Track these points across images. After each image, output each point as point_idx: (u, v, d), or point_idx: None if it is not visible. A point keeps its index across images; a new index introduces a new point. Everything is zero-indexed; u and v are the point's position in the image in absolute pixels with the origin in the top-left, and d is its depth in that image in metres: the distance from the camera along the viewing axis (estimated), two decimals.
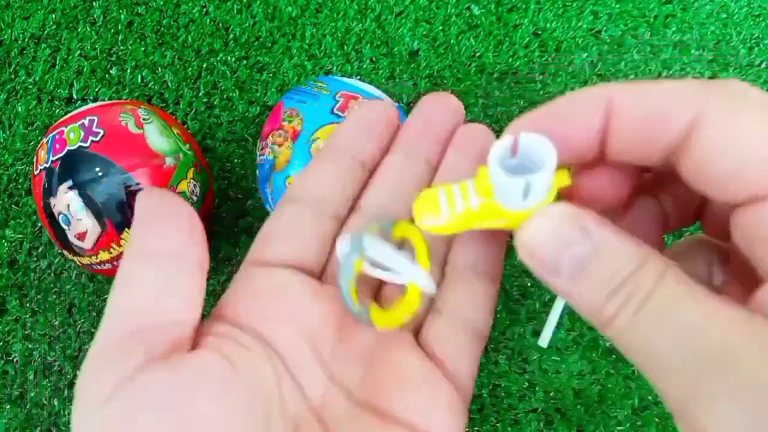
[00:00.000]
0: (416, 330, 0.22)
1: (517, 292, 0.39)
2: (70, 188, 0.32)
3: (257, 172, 0.36)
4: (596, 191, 0.18)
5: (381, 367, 0.20)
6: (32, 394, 0.38)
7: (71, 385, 0.38)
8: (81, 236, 0.33)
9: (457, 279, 0.21)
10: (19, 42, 0.45)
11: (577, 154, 0.17)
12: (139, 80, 0.44)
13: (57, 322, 0.39)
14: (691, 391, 0.14)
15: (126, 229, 0.33)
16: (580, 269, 0.15)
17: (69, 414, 0.38)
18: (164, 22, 0.45)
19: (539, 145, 0.16)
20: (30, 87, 0.44)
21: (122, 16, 0.45)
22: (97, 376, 0.17)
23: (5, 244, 0.41)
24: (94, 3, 0.46)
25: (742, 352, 0.13)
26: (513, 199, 0.17)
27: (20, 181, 0.42)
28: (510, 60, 0.45)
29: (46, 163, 0.33)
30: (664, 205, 0.19)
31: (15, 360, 0.39)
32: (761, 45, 0.45)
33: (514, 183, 0.16)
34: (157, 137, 0.34)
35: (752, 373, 0.13)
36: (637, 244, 0.15)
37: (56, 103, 0.44)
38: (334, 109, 0.33)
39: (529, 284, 0.39)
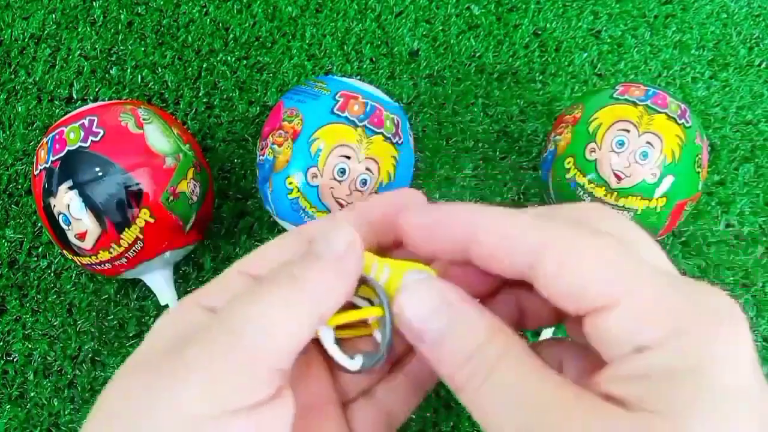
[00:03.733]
0: (345, 405, 0.23)
1: None
2: (70, 188, 0.32)
3: (257, 172, 0.36)
4: (463, 281, 0.20)
5: None
6: (32, 394, 0.38)
7: (71, 385, 0.38)
8: (81, 236, 0.33)
9: (397, 373, 0.23)
10: (19, 42, 0.45)
11: (449, 259, 0.20)
12: (139, 80, 0.44)
13: (57, 322, 0.39)
14: None
15: (126, 229, 0.33)
16: (439, 339, 0.18)
17: (69, 414, 0.38)
18: (164, 22, 0.45)
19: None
20: (30, 87, 0.44)
21: (122, 16, 0.45)
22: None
23: (5, 244, 0.41)
24: (94, 3, 0.46)
25: (566, 427, 0.16)
26: None
27: (20, 181, 0.42)
28: (510, 60, 0.44)
29: (46, 163, 0.33)
30: (527, 304, 0.22)
31: (15, 360, 0.39)
32: (761, 45, 0.45)
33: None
34: (157, 137, 0.34)
35: None
36: (490, 319, 0.18)
37: (56, 103, 0.44)
38: (334, 109, 0.33)
39: None
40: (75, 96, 0.44)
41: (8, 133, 0.43)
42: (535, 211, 0.19)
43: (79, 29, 0.45)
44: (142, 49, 0.45)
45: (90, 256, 0.34)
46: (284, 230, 0.40)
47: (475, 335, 0.18)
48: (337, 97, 0.34)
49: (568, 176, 0.35)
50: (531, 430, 0.16)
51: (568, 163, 0.35)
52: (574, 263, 0.17)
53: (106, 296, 0.40)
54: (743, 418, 0.15)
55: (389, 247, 0.22)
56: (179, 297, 0.37)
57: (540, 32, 0.45)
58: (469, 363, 0.17)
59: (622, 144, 0.33)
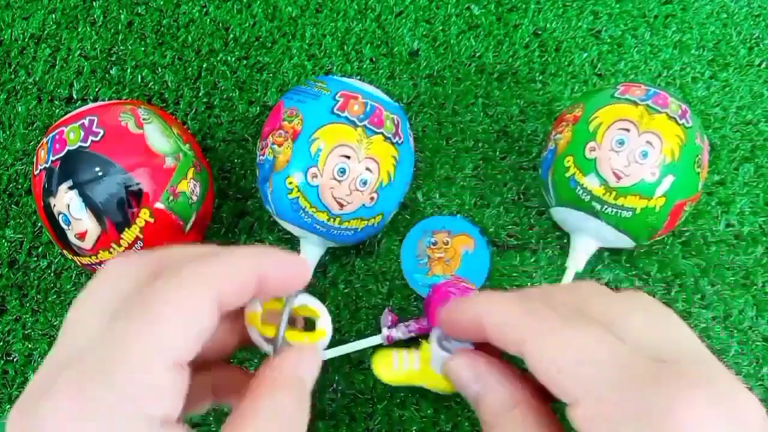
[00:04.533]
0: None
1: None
2: (70, 188, 0.32)
3: (257, 172, 0.36)
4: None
5: None
6: None
7: None
8: (81, 236, 0.33)
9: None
10: (19, 42, 0.45)
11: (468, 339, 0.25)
12: (139, 80, 0.44)
13: (57, 322, 0.39)
14: None
15: (126, 229, 0.33)
16: (478, 398, 0.23)
17: None
18: (164, 22, 0.45)
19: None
20: (30, 87, 0.44)
21: (122, 16, 0.45)
22: None
23: (5, 244, 0.41)
24: (94, 3, 0.46)
25: None
26: (439, 368, 0.25)
27: (20, 181, 0.42)
28: (510, 60, 0.45)
29: (46, 163, 0.33)
30: None
31: (15, 360, 0.39)
32: (761, 45, 0.45)
33: (443, 356, 0.25)
34: (157, 137, 0.34)
35: None
36: (513, 387, 0.23)
37: (56, 103, 0.44)
38: (334, 109, 0.33)
39: (528, 284, 0.39)
40: (75, 96, 0.44)
41: (8, 133, 0.43)
42: (533, 294, 0.23)
43: (79, 29, 0.45)
44: (142, 49, 0.45)
45: (90, 256, 0.34)
46: (284, 230, 0.40)
47: (501, 400, 0.23)
48: (337, 97, 0.34)
49: (567, 175, 0.35)
50: None
51: (568, 161, 0.35)
52: (546, 362, 0.20)
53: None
54: None
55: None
56: None
57: (540, 32, 0.45)
58: (497, 421, 0.22)
59: (622, 143, 0.33)
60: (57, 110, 0.44)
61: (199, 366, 0.22)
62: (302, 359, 0.24)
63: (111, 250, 0.33)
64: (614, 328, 0.20)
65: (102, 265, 0.34)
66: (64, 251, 0.35)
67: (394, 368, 0.32)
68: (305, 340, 0.25)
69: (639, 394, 0.18)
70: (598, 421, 0.19)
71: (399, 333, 0.36)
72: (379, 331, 0.37)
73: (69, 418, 0.18)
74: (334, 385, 0.38)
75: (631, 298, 0.22)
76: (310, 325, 0.27)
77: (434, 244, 0.39)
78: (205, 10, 0.46)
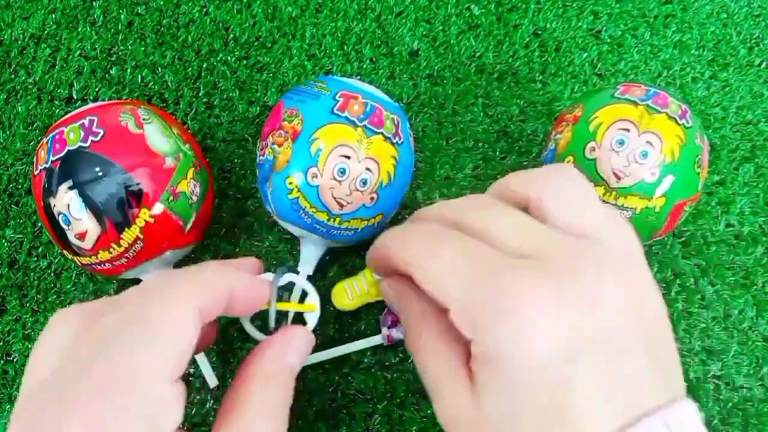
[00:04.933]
0: None
1: None
2: (70, 188, 0.32)
3: (257, 172, 0.36)
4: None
5: None
6: None
7: None
8: (81, 236, 0.33)
9: None
10: (19, 42, 0.45)
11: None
12: (139, 80, 0.44)
13: None
14: None
15: (126, 229, 0.33)
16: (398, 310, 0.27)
17: None
18: (164, 22, 0.45)
19: None
20: (30, 87, 0.44)
21: (122, 16, 0.45)
22: None
23: (5, 244, 0.41)
24: (94, 3, 0.46)
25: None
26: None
27: (20, 181, 0.42)
28: (510, 60, 0.44)
29: (46, 163, 0.33)
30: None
31: (15, 360, 0.39)
32: (761, 45, 0.45)
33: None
34: (157, 137, 0.34)
35: None
36: (424, 299, 0.25)
37: (56, 103, 0.44)
38: (334, 109, 0.33)
39: None
40: (75, 96, 0.44)
41: (8, 133, 0.43)
42: (423, 215, 0.27)
43: (79, 29, 0.45)
44: (142, 49, 0.45)
45: (90, 256, 0.34)
46: (284, 230, 0.40)
47: (416, 310, 0.25)
48: (337, 97, 0.34)
49: None
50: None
51: (568, 161, 0.35)
52: (423, 278, 0.23)
53: (107, 296, 0.40)
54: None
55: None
56: None
57: (540, 32, 0.45)
58: (414, 327, 0.25)
59: (622, 143, 0.33)
60: (57, 110, 0.44)
61: None
62: (290, 345, 0.26)
63: (111, 250, 0.33)
64: (485, 235, 0.23)
65: (102, 266, 0.34)
66: (64, 251, 0.35)
67: (349, 296, 0.37)
68: (294, 310, 0.32)
69: (487, 291, 0.21)
70: (463, 322, 0.21)
71: (399, 333, 0.36)
72: (379, 332, 0.37)
73: None
74: (334, 385, 0.38)
75: (547, 175, 0.25)
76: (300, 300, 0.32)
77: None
78: (205, 10, 0.46)
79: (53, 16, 0.46)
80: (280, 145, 0.34)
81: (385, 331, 0.36)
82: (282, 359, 0.25)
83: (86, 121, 0.33)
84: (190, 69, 0.44)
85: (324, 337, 0.38)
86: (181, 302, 0.21)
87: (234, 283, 0.24)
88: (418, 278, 0.23)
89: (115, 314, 0.21)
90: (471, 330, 0.21)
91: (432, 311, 0.24)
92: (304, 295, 0.33)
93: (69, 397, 0.19)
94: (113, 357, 0.20)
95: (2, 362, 0.39)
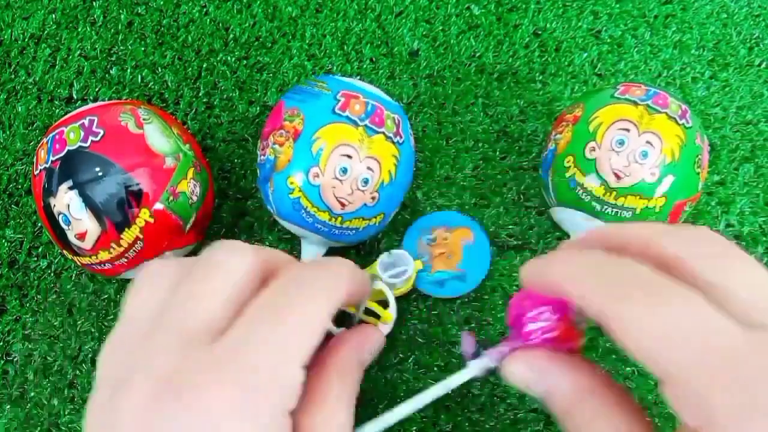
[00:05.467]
0: None
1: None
2: (70, 188, 0.32)
3: (258, 172, 0.36)
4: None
5: None
6: (32, 394, 0.38)
7: (71, 385, 0.38)
8: (81, 236, 0.33)
9: None
10: (19, 42, 0.45)
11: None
12: (139, 80, 0.44)
13: (57, 322, 0.39)
14: None
15: (126, 229, 0.33)
16: (547, 396, 0.22)
17: (69, 414, 0.38)
18: (164, 22, 0.45)
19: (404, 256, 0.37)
20: (30, 87, 0.44)
21: (122, 16, 0.45)
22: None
23: (5, 244, 0.41)
24: (94, 3, 0.46)
25: None
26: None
27: (20, 181, 0.42)
28: (510, 60, 0.45)
29: (46, 163, 0.33)
30: None
31: (15, 360, 0.39)
32: (761, 45, 0.45)
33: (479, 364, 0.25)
34: (157, 137, 0.34)
35: None
36: (581, 376, 0.22)
37: (56, 103, 0.44)
38: (335, 109, 0.33)
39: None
40: (75, 96, 0.44)
41: (8, 133, 0.43)
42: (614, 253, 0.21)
43: (79, 29, 0.45)
44: (142, 49, 0.45)
45: (90, 256, 0.34)
46: (284, 230, 0.40)
47: (572, 392, 0.22)
48: (338, 97, 0.34)
49: (567, 175, 0.35)
50: None
51: (568, 161, 0.35)
52: (633, 336, 0.18)
53: (107, 296, 0.40)
54: None
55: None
56: None
57: (540, 32, 0.45)
58: (573, 414, 0.21)
59: (622, 143, 0.33)
60: (57, 110, 0.43)
61: None
62: (366, 343, 0.27)
63: (111, 250, 0.33)
64: (713, 292, 0.18)
65: (102, 266, 0.34)
66: (64, 251, 0.35)
67: None
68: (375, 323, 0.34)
69: (733, 371, 0.16)
70: (687, 402, 0.17)
71: (488, 360, 0.25)
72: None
73: (228, 409, 0.18)
74: None
75: (728, 253, 0.20)
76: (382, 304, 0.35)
77: (433, 240, 0.39)
78: (205, 10, 0.46)
79: (53, 16, 0.46)
80: (281, 145, 0.34)
81: (479, 363, 0.25)
82: (358, 356, 0.26)
83: (86, 121, 0.33)
84: (190, 69, 0.44)
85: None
86: (324, 298, 0.22)
87: (354, 282, 0.24)
88: (622, 334, 0.18)
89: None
90: (702, 418, 0.17)
91: (598, 386, 0.21)
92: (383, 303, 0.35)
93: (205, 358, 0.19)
94: (258, 329, 0.20)
95: (2, 362, 0.39)
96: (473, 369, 0.25)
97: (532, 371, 0.22)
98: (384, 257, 0.37)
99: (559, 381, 0.22)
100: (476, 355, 0.26)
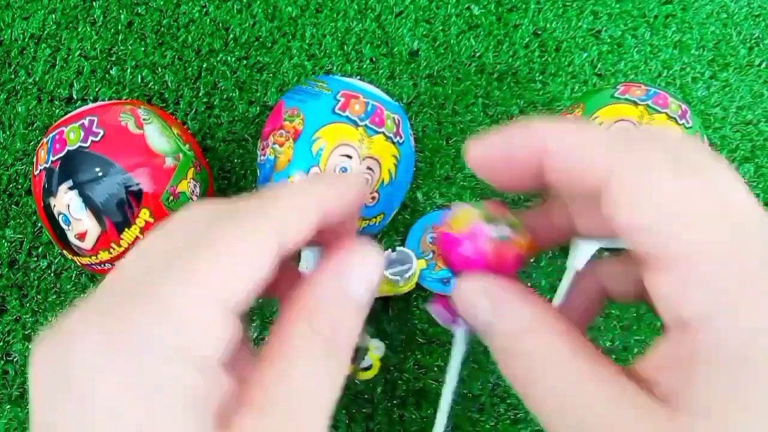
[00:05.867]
0: None
1: None
2: (70, 188, 0.32)
3: (258, 172, 0.36)
4: (535, 233, 0.21)
5: None
6: None
7: None
8: (81, 236, 0.33)
9: None
10: (19, 42, 0.45)
11: (519, 180, 0.19)
12: (139, 80, 0.44)
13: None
14: None
15: (126, 229, 0.33)
16: (490, 327, 0.18)
17: None
18: (164, 22, 0.45)
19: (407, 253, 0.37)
20: (30, 87, 0.44)
21: (122, 16, 0.45)
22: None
23: (5, 244, 0.41)
24: (94, 3, 0.46)
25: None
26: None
27: (20, 181, 0.42)
28: (510, 60, 0.44)
29: (46, 163, 0.33)
30: (607, 281, 0.22)
31: (15, 360, 0.39)
32: (761, 45, 0.45)
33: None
34: (157, 137, 0.34)
35: None
36: (536, 308, 0.18)
37: (56, 103, 0.44)
38: (335, 109, 0.33)
39: (527, 284, 0.39)
40: (75, 96, 0.44)
41: (8, 133, 0.43)
42: (611, 131, 0.18)
43: (79, 29, 0.45)
44: (142, 49, 0.45)
45: (90, 256, 0.34)
46: None
47: (519, 320, 0.18)
48: (338, 97, 0.34)
49: None
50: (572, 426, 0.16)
51: None
52: (644, 198, 0.15)
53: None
54: None
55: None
56: None
57: (540, 32, 0.45)
58: (514, 346, 0.17)
59: None
60: (57, 110, 0.43)
61: None
62: (350, 269, 0.18)
63: (111, 250, 0.33)
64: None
65: (102, 266, 0.34)
66: (64, 251, 0.35)
67: None
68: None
69: (757, 260, 0.14)
70: (695, 286, 0.14)
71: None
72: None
73: (98, 347, 0.14)
74: None
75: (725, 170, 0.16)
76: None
77: (436, 238, 0.39)
78: (205, 10, 0.46)
79: (53, 16, 0.46)
80: (281, 145, 0.34)
81: (459, 327, 0.23)
82: (337, 286, 0.18)
83: (86, 121, 0.33)
84: (190, 69, 0.44)
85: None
86: (261, 229, 0.16)
87: (326, 203, 0.18)
88: (625, 201, 0.15)
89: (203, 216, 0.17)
90: (709, 304, 0.14)
91: (554, 321, 0.17)
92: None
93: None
94: (174, 270, 0.15)
95: (2, 362, 0.39)
96: (459, 337, 0.23)
97: (487, 297, 0.19)
98: (388, 254, 0.37)
99: (514, 310, 0.18)
100: (455, 315, 0.22)
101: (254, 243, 0.16)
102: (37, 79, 0.44)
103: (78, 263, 0.35)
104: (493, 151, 0.19)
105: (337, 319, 0.17)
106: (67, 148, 0.33)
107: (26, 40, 0.45)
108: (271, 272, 0.16)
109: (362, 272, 0.18)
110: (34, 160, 0.35)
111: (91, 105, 0.35)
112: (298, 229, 0.17)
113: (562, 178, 0.17)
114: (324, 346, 0.17)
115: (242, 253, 0.16)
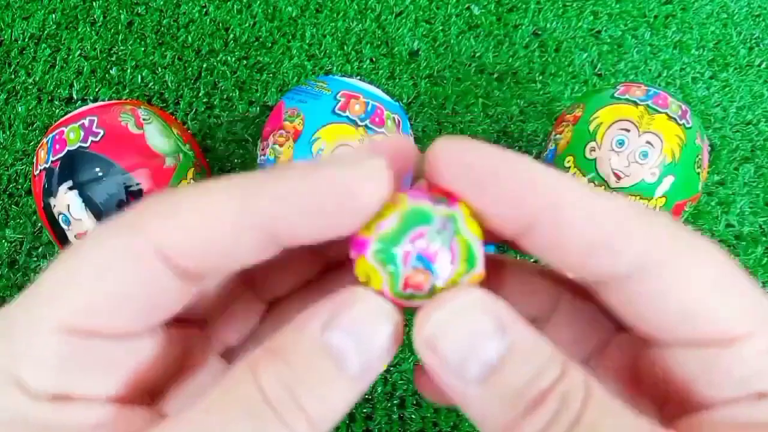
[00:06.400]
0: None
1: None
2: (70, 188, 0.32)
3: None
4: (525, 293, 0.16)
5: None
6: None
7: None
8: (81, 236, 0.33)
9: None
10: (19, 42, 0.45)
11: (501, 225, 0.14)
12: (139, 80, 0.44)
13: None
14: None
15: None
16: (490, 372, 0.12)
17: None
18: (164, 22, 0.45)
19: None
20: (30, 87, 0.44)
21: (122, 16, 0.45)
22: None
23: (5, 244, 0.41)
24: (94, 3, 0.46)
25: None
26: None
27: (20, 181, 0.42)
28: (510, 60, 0.45)
29: (46, 163, 0.33)
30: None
31: None
32: (761, 45, 0.45)
33: None
34: (157, 137, 0.34)
35: None
36: (553, 345, 0.13)
37: (56, 103, 0.44)
38: (336, 109, 0.33)
39: None
40: (75, 96, 0.44)
41: (8, 133, 0.43)
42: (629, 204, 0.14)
43: (79, 29, 0.45)
44: (142, 49, 0.45)
45: None
46: None
47: (544, 366, 0.12)
48: (338, 97, 0.34)
49: None
50: None
51: (568, 162, 0.35)
52: (693, 281, 0.13)
53: None
54: None
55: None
56: None
57: (540, 32, 0.45)
58: (542, 408, 0.12)
59: (622, 143, 0.34)
60: (57, 110, 0.43)
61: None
62: (337, 310, 0.13)
63: None
64: None
65: None
66: None
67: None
68: None
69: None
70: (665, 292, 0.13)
71: None
72: None
73: None
74: None
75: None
76: None
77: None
78: (205, 10, 0.46)
79: (53, 16, 0.46)
80: (281, 145, 0.34)
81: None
82: (314, 335, 0.13)
83: (86, 121, 0.33)
84: (190, 69, 0.44)
85: None
86: (120, 237, 0.13)
87: (262, 202, 0.13)
88: (677, 285, 0.13)
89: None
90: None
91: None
92: None
93: None
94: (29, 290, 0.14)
95: None
96: None
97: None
98: None
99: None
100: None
101: (110, 250, 0.13)
102: (37, 79, 0.44)
103: None
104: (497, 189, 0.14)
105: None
106: (67, 148, 0.33)
107: (26, 40, 0.45)
108: (176, 287, 0.13)
109: (353, 319, 0.13)
110: (34, 160, 0.35)
111: (91, 105, 0.35)
112: (203, 236, 0.13)
113: (562, 253, 0.13)
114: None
115: (91, 264, 0.13)
